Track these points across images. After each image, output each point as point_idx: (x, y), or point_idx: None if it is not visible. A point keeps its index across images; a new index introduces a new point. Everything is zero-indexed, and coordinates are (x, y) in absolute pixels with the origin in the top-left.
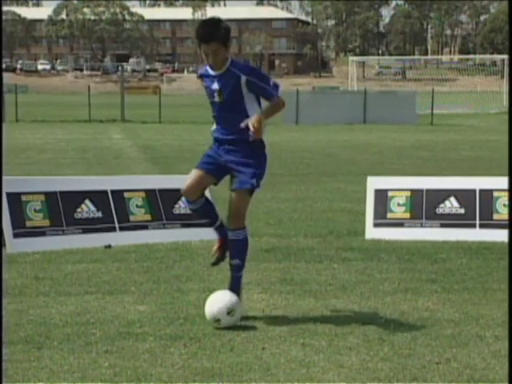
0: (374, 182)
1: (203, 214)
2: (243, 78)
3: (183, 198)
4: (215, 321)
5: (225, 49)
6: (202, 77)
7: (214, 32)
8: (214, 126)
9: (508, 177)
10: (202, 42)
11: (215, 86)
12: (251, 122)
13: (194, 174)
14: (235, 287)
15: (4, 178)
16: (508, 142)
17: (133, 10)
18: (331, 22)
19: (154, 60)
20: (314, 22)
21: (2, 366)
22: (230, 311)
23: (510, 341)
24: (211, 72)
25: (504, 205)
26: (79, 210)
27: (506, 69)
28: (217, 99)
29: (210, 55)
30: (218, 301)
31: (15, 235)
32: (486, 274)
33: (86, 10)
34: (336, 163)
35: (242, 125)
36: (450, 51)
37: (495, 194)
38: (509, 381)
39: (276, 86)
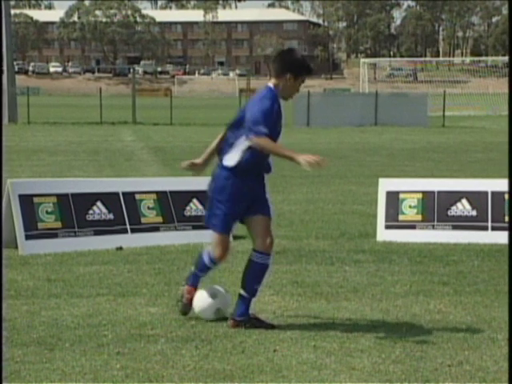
0: (386, 184)
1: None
2: None
3: (210, 259)
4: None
5: None
6: (277, 109)
7: None
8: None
9: (508, 178)
10: (309, 75)
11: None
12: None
13: (223, 240)
14: (245, 311)
15: (16, 180)
16: (508, 143)
17: (144, 12)
18: (342, 24)
19: (166, 62)
20: (325, 23)
21: (2, 366)
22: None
23: (510, 341)
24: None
25: None
26: (91, 211)
27: None
28: (280, 128)
29: (299, 87)
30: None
31: (27, 237)
32: (498, 276)
33: (97, 12)
34: (347, 165)
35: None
36: (462, 53)
37: (507, 196)
38: (509, 381)
39: None
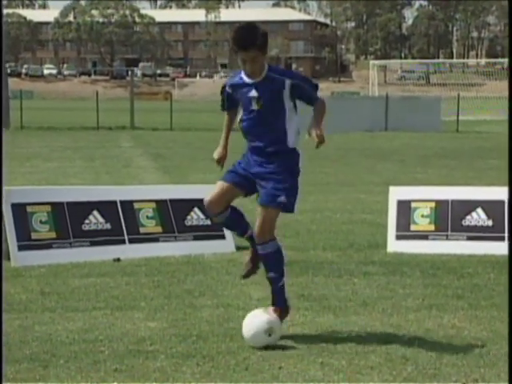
0: (397, 193)
1: (229, 226)
2: (288, 82)
3: (207, 211)
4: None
5: (263, 56)
6: (233, 86)
7: (252, 38)
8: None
9: (508, 184)
10: (239, 49)
11: (253, 93)
12: (314, 133)
13: (219, 186)
14: (279, 300)
15: (8, 187)
16: (508, 146)
17: (143, 11)
18: (351, 24)
19: (166, 64)
20: (333, 24)
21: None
22: (268, 331)
23: (510, 341)
24: (247, 80)
25: None
26: (87, 221)
27: None
28: (254, 107)
29: (247, 62)
30: (256, 319)
31: (20, 248)
32: None
33: (94, 12)
34: (356, 172)
35: (306, 136)
36: (477, 54)
37: None
38: (509, 381)
39: (316, 87)
